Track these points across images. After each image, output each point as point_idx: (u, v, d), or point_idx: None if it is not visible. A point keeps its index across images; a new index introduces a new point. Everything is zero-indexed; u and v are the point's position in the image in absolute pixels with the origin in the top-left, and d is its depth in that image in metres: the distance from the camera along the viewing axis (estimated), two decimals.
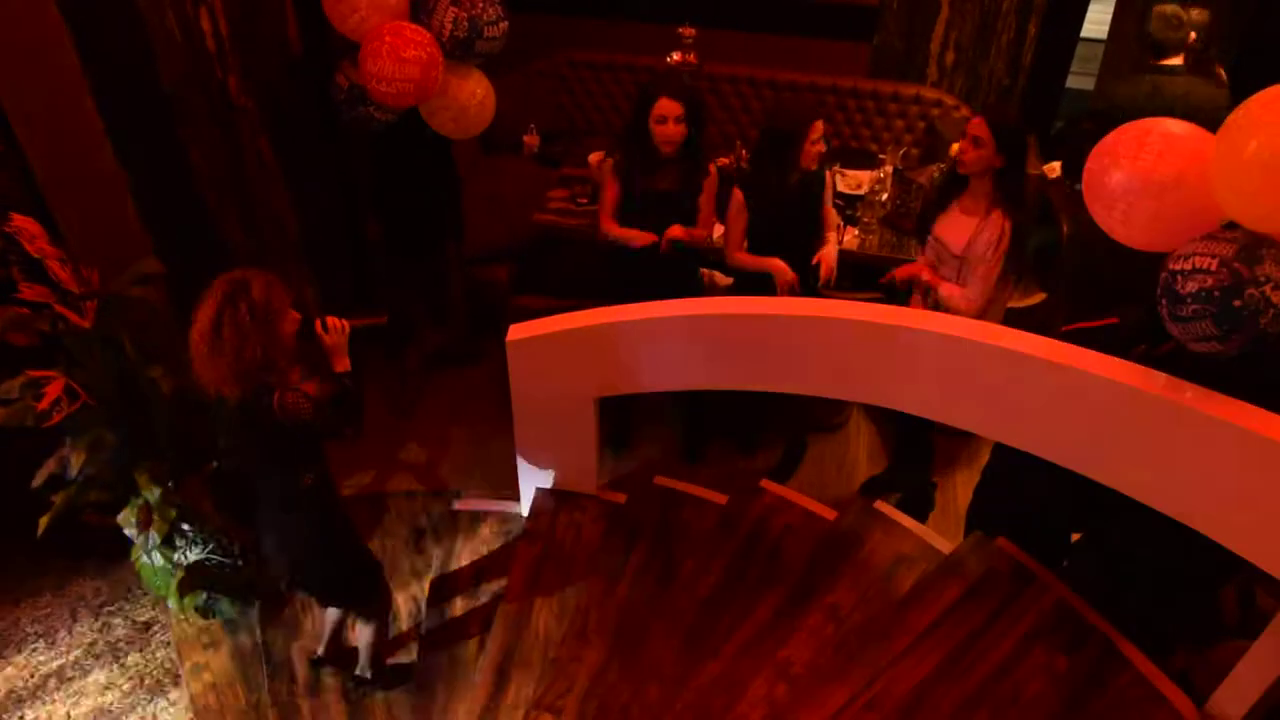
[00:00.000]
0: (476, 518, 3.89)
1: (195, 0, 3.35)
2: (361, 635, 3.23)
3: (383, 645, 3.31)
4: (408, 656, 3.48)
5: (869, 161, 4.97)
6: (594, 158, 4.98)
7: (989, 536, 3.32)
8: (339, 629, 3.35)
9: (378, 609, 3.17)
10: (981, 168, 3.27)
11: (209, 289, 2.43)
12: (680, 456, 4.42)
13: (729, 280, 4.20)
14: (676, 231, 3.62)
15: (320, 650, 3.39)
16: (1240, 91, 2.33)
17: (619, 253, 3.81)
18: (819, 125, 3.47)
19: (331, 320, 2.62)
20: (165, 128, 3.37)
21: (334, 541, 2.92)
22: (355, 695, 3.33)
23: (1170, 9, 4.14)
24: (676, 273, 3.88)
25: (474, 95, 3.86)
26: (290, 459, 2.68)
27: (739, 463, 4.41)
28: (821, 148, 3.52)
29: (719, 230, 4.50)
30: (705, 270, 4.24)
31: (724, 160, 4.78)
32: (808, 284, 3.72)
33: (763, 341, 3.17)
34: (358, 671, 3.31)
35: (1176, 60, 4.16)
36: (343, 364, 2.67)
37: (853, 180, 4.73)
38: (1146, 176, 2.39)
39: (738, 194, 3.66)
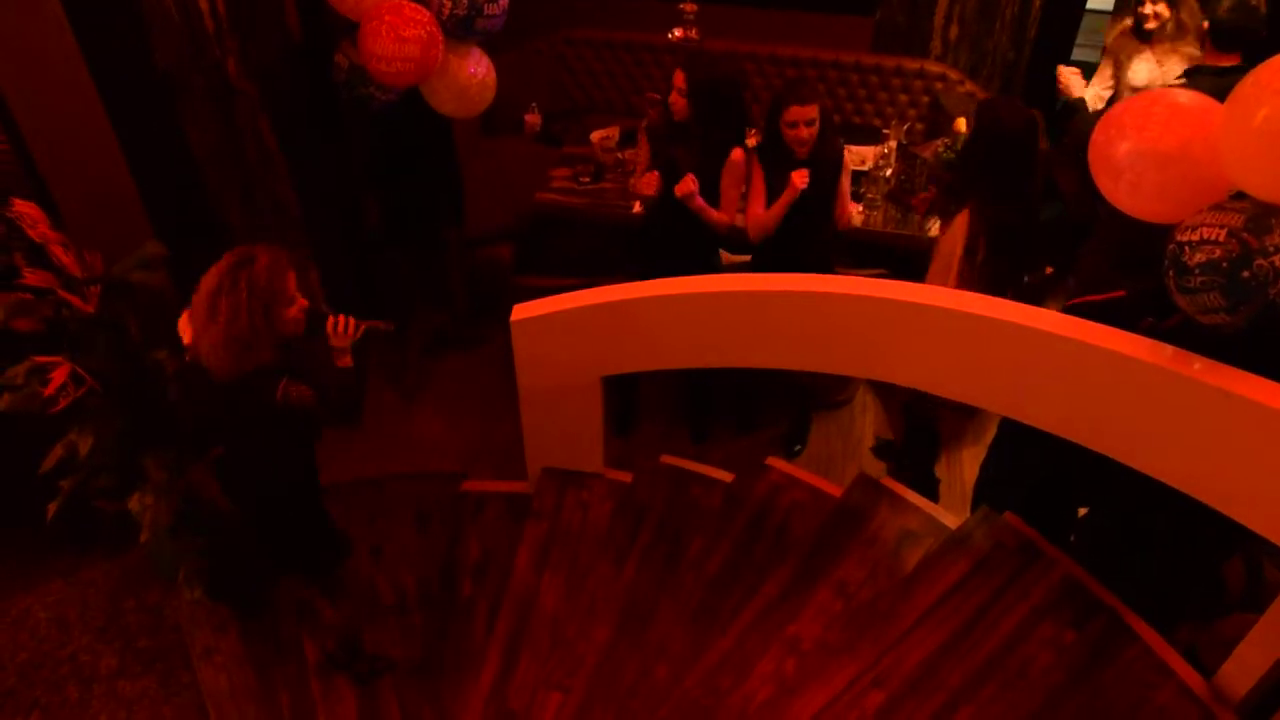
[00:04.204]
0: (483, 499, 3.89)
1: None
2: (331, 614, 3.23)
3: (357, 630, 3.32)
4: (414, 639, 3.49)
5: (873, 137, 4.93)
6: (596, 136, 4.95)
7: (996, 511, 3.32)
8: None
9: (330, 579, 3.17)
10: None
11: (222, 258, 2.44)
12: (688, 435, 4.42)
13: (735, 258, 4.19)
14: (684, 185, 3.61)
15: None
16: None
17: (639, 231, 3.87)
18: (796, 110, 3.48)
19: (342, 322, 2.62)
20: (164, 109, 3.35)
21: (303, 509, 2.94)
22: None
23: None
24: (694, 252, 3.88)
25: (474, 74, 3.84)
26: (281, 440, 2.70)
27: (740, 440, 4.41)
28: (801, 134, 3.51)
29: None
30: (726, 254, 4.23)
31: None
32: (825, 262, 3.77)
33: (767, 318, 3.16)
34: (329, 651, 3.33)
35: (1232, 60, 3.45)
36: (344, 361, 2.66)
37: (856, 156, 4.69)
38: (1153, 147, 2.37)
39: (757, 168, 3.71)
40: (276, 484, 2.82)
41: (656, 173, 3.67)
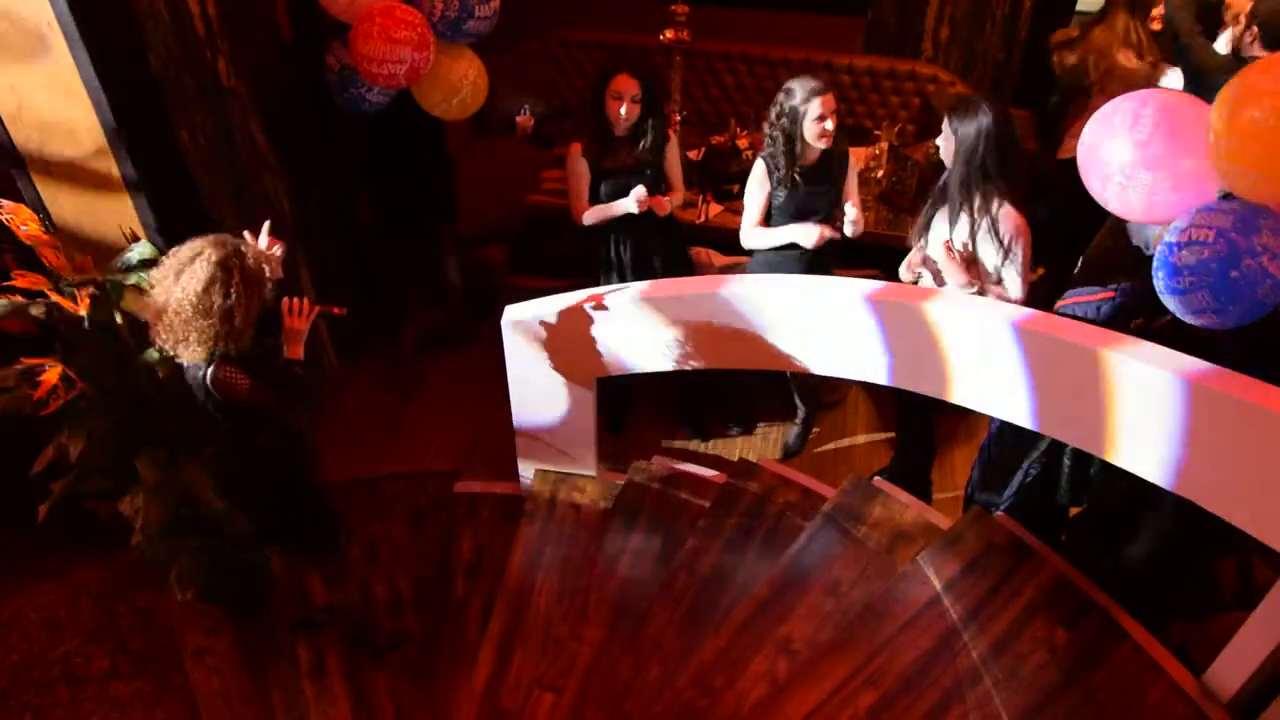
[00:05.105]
0: (476, 498, 3.88)
1: None
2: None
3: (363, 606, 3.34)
4: (408, 638, 3.49)
5: (864, 138, 4.95)
6: None
7: (987, 511, 3.33)
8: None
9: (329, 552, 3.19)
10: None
11: (196, 248, 2.43)
12: (682, 434, 4.42)
13: (727, 260, 4.19)
14: (650, 201, 3.62)
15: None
16: None
17: (608, 231, 3.82)
18: (828, 100, 3.42)
19: (298, 303, 2.63)
20: (156, 110, 3.34)
21: (286, 490, 2.96)
22: (357, 676, 3.35)
23: None
24: (663, 250, 3.89)
25: (466, 76, 3.84)
26: (235, 423, 2.71)
27: (733, 440, 4.42)
28: (833, 121, 3.46)
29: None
30: (698, 249, 4.22)
31: (718, 139, 4.76)
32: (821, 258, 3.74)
33: (759, 320, 3.17)
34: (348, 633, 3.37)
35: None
36: (295, 351, 2.66)
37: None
38: (1143, 148, 2.38)
39: (757, 168, 3.63)
40: (250, 472, 2.84)
41: (659, 196, 3.68)
